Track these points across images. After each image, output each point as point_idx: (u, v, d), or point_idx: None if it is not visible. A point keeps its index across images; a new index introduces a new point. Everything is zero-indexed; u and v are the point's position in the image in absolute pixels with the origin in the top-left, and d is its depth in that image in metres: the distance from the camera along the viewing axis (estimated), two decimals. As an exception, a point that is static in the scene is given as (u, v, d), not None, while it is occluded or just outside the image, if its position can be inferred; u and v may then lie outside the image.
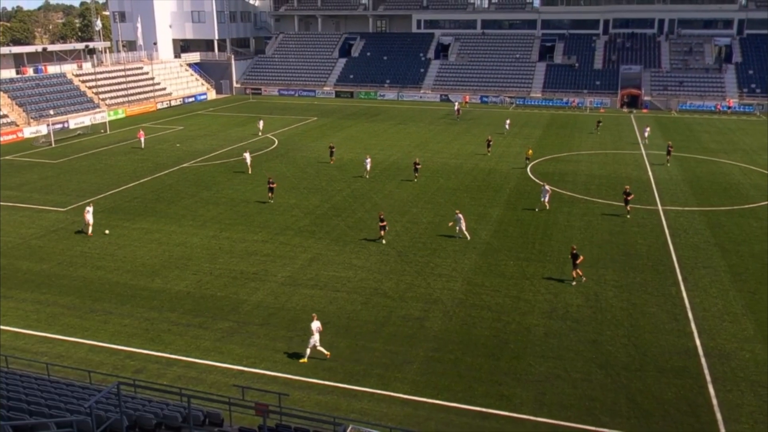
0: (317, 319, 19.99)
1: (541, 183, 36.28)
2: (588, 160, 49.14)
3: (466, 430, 16.48)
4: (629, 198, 34.24)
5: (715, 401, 17.78)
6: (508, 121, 63.44)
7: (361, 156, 50.27)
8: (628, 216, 33.88)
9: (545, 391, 18.29)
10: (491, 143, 50.79)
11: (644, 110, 77.50)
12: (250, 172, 44.29)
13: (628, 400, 17.86)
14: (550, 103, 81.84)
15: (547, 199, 34.86)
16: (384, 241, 30.47)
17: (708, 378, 18.95)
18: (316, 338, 19.62)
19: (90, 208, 32.14)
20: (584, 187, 40.74)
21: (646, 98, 79.60)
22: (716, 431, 16.50)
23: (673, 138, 55.32)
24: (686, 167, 46.09)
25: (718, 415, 17.13)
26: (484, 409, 17.46)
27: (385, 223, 30.46)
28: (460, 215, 30.74)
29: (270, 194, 37.32)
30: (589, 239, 30.96)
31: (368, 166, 43.21)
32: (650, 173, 44.58)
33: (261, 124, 61.28)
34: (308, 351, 19.84)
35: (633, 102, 79.90)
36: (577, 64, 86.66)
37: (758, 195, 38.78)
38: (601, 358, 20.10)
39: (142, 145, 53.63)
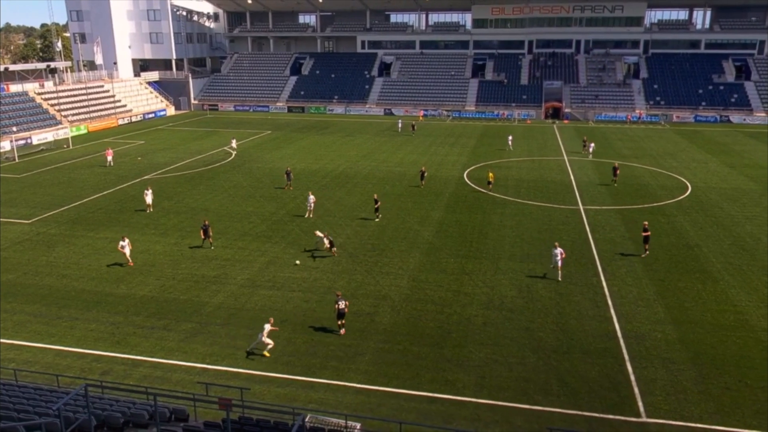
0: (272, 324, 19.83)
1: (555, 244, 26.58)
2: (517, 166, 50.16)
3: (415, 414, 16.54)
4: (647, 235, 28.38)
5: (632, 377, 18.37)
6: (510, 138, 58.61)
7: (312, 165, 50.12)
8: (644, 255, 28.46)
9: (485, 375, 18.54)
10: (425, 175, 43.04)
11: (565, 121, 79.69)
12: (149, 210, 36.26)
13: (558, 380, 18.27)
14: (483, 116, 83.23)
15: (559, 265, 25.58)
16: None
17: (626, 357, 19.56)
18: (264, 340, 19.55)
19: (123, 242, 27.66)
20: (515, 190, 41.55)
21: (567, 110, 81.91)
22: (634, 404, 17.04)
23: (593, 140, 56.92)
24: (603, 171, 47.56)
25: (636, 390, 17.71)
26: (430, 394, 17.58)
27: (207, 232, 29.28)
28: (320, 234, 28.66)
29: (206, 238, 29.79)
30: (520, 236, 31.60)
31: (312, 204, 35.17)
32: (572, 176, 45.81)
33: (234, 142, 58.11)
34: (267, 346, 19.70)
35: (555, 114, 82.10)
36: (505, 81, 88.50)
37: (665, 194, 40.35)
38: (533, 343, 20.50)
39: (111, 163, 50.40)
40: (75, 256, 29.09)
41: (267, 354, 19.76)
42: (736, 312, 22.77)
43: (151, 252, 29.64)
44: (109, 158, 51.12)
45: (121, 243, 27.77)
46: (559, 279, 25.52)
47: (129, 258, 27.81)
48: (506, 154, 55.64)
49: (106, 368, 19.13)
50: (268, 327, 19.61)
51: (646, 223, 29.27)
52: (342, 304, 20.89)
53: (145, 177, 45.98)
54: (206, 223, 29.99)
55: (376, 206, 34.73)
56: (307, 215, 35.18)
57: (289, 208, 37.15)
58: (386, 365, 19.17)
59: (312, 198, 35.29)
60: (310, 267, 27.50)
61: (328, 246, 28.39)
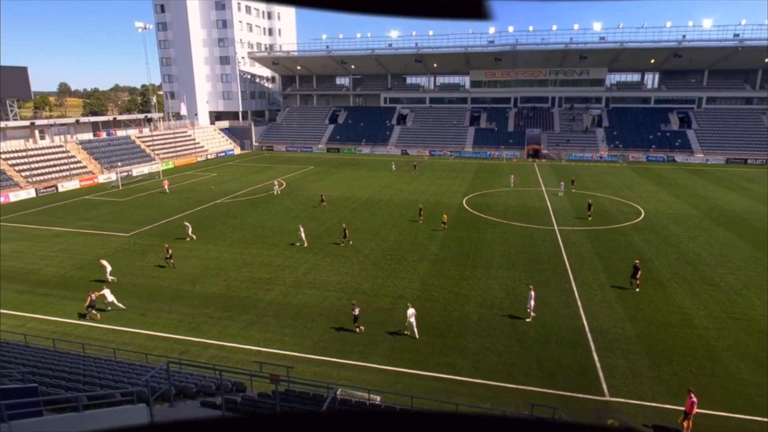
0: (412, 307, 20.23)
1: (530, 287, 22.38)
2: (505, 194, 49.85)
3: (423, 390, 16.34)
4: (638, 274, 24.77)
5: (598, 364, 17.97)
6: (512, 176, 56.19)
7: (345, 193, 50.36)
8: (637, 289, 24.61)
9: (479, 360, 18.28)
10: (422, 211, 39.27)
11: (543, 160, 79.10)
12: (187, 239, 33.57)
13: (538, 365, 17.94)
14: (478, 155, 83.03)
15: (532, 306, 21.60)
16: None
17: (593, 348, 19.16)
18: (412, 320, 19.87)
19: (104, 262, 25.98)
20: (503, 213, 41.25)
21: (545, 151, 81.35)
22: (599, 386, 16.66)
23: (563, 179, 56.44)
24: (573, 199, 47.03)
25: (601, 374, 17.32)
26: (435, 374, 17.38)
27: None
28: (105, 294, 22.68)
29: (169, 260, 28.16)
30: (507, 250, 31.30)
31: (303, 235, 32.35)
32: (548, 203, 45.35)
33: (276, 187, 51.43)
34: (415, 331, 19.96)
35: (535, 154, 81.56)
36: (496, 128, 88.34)
37: (623, 218, 39.71)
38: (518, 335, 20.20)
39: (167, 191, 51.21)
40: (162, 262, 29.47)
41: (417, 335, 19.87)
42: (682, 313, 22.22)
43: (220, 259, 29.94)
44: (166, 187, 51.96)
45: (104, 263, 26.40)
46: (532, 316, 21.53)
47: (108, 276, 26.05)
48: (498, 185, 55.30)
49: (183, 349, 19.27)
50: (411, 312, 19.95)
51: (638, 261, 25.55)
52: (357, 311, 20.47)
53: (217, 201, 46.61)
54: (169, 251, 28.40)
55: (344, 233, 32.67)
56: (303, 245, 32.11)
57: (327, 226, 37.29)
58: (401, 351, 19.02)
59: (302, 229, 32.80)
60: (342, 272, 27.49)
61: (88, 303, 21.91)
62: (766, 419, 14.92)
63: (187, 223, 34.98)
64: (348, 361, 18.34)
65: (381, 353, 18.84)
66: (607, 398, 16.02)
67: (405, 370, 17.68)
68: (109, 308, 22.65)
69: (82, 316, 22.35)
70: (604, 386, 16.63)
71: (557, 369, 17.68)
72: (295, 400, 13.38)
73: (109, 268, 26.35)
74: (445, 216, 37.17)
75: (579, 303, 23.34)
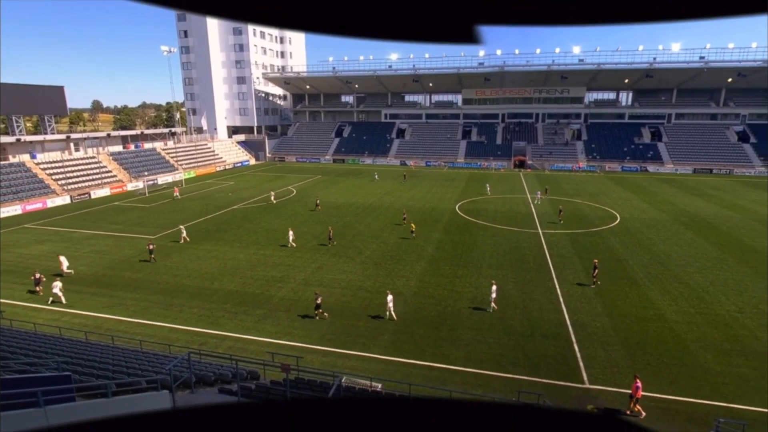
0: (391, 294, 21.20)
1: (492, 281, 22.90)
2: (494, 201, 49.81)
3: (420, 378, 16.28)
4: (596, 272, 24.96)
5: (578, 355, 17.90)
6: (488, 185, 56.54)
7: (350, 200, 50.33)
8: (594, 286, 24.64)
9: (471, 351, 18.21)
10: (406, 217, 39.31)
11: (528, 170, 79.10)
12: (181, 241, 33.36)
13: (524, 355, 17.87)
14: (470, 166, 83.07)
15: (493, 297, 21.73)
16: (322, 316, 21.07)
17: (573, 340, 19.09)
18: (390, 305, 20.70)
19: (62, 258, 26.58)
20: (492, 218, 41.22)
21: (529, 162, 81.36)
22: (580, 374, 16.58)
23: (540, 189, 56.43)
24: (555, 205, 46.99)
25: (581, 364, 17.24)
26: (431, 364, 17.32)
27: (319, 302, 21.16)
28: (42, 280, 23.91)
29: (151, 255, 29.04)
30: (496, 251, 31.25)
31: (291, 237, 32.23)
32: (533, 209, 45.32)
33: (273, 195, 50.87)
34: (388, 313, 20.71)
35: (521, 164, 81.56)
36: (485, 141, 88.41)
37: (600, 222, 39.67)
38: (506, 328, 20.13)
39: (178, 197, 51.58)
40: (184, 261, 29.49)
41: (395, 317, 20.65)
42: (654, 308, 22.15)
43: (237, 259, 29.91)
44: (177, 194, 52.22)
45: (61, 258, 26.83)
46: (491, 310, 21.56)
47: (65, 270, 26.51)
48: (485, 192, 55.23)
49: (203, 341, 19.22)
50: (389, 298, 20.89)
51: (596, 261, 26.20)
52: (319, 300, 21.06)
53: (234, 207, 46.61)
54: (150, 246, 29.23)
55: (330, 235, 32.62)
56: (289, 246, 31.90)
57: (332, 229, 37.22)
58: (400, 342, 18.96)
59: (291, 232, 32.54)
60: (346, 271, 27.44)
61: (35, 280, 23.53)
62: (730, 405, 14.84)
63: (181, 227, 35.39)
64: (352, 351, 18.28)
65: (382, 345, 18.79)
66: (587, 386, 15.94)
67: (403, 360, 17.62)
68: (50, 299, 22.93)
69: (31, 293, 23.98)
70: (584, 375, 16.56)
71: (541, 359, 17.61)
72: (304, 387, 13.34)
73: (66, 263, 26.77)
74: (413, 225, 35.43)
75: (561, 299, 23.27)
